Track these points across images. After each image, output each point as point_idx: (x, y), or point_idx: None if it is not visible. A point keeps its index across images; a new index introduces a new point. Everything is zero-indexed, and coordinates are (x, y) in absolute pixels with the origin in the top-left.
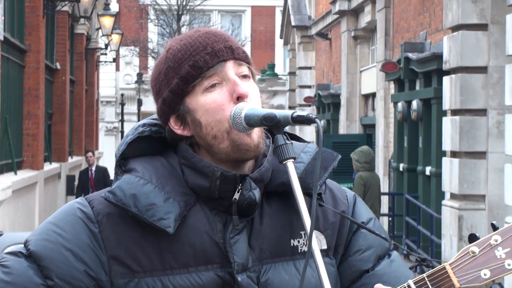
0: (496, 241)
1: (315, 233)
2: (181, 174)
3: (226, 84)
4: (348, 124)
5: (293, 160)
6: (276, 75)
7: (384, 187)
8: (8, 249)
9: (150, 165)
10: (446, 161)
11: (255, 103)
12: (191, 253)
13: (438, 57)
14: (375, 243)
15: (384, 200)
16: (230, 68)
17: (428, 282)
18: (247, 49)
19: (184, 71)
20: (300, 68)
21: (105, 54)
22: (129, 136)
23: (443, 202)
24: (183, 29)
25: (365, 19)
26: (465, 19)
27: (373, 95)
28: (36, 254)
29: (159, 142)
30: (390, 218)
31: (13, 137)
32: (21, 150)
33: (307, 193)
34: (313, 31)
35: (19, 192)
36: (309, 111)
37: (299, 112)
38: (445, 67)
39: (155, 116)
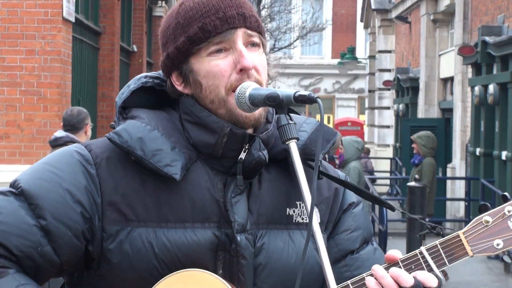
0: (510, 211)
1: None
2: (181, 129)
3: (233, 53)
4: (426, 108)
5: (296, 140)
6: (356, 58)
7: (461, 171)
8: None
9: (154, 115)
10: None
11: (260, 74)
12: (190, 208)
13: None
14: (363, 226)
15: (461, 184)
16: (239, 37)
17: (440, 249)
18: (328, 32)
19: (192, 32)
20: (380, 51)
21: None
22: (132, 85)
23: None
24: (263, 12)
25: (444, 2)
26: None
27: (451, 79)
28: (28, 192)
29: (159, 96)
30: (466, 203)
31: None
32: (96, 131)
33: (309, 160)
34: (393, 14)
35: None
36: (388, 95)
37: (301, 91)
38: None
39: (157, 72)
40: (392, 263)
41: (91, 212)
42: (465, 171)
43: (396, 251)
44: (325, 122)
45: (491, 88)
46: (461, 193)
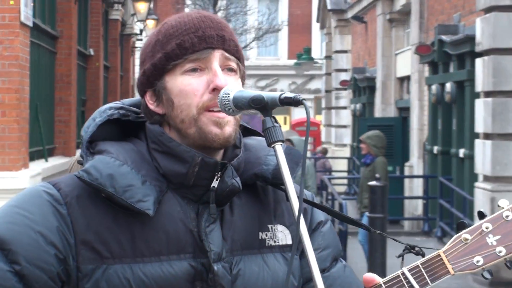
0: (487, 228)
1: (281, 228)
2: (150, 160)
3: (207, 73)
4: (383, 107)
5: (281, 143)
6: (312, 59)
7: (419, 170)
8: None
9: (122, 148)
10: (479, 143)
11: None
12: (164, 240)
13: (471, 39)
14: (332, 244)
15: (419, 183)
16: (216, 58)
17: (422, 269)
18: (284, 33)
19: (170, 48)
20: (336, 51)
21: (141, 40)
22: (98, 118)
23: (476, 184)
24: (220, 14)
25: (400, 2)
26: (498, 0)
27: (408, 78)
28: (0, 237)
29: (124, 127)
30: (424, 201)
31: (44, 124)
32: (53, 137)
33: (280, 184)
34: (349, 14)
35: (50, 179)
36: (345, 94)
37: (287, 93)
38: (478, 49)
39: (119, 101)
40: (374, 285)
41: (65, 253)
42: (423, 169)
43: (373, 275)
44: (281, 123)
45: (448, 86)
46: (419, 191)
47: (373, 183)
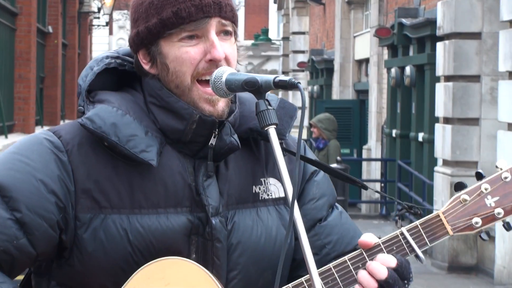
0: (486, 189)
1: (273, 181)
2: (147, 112)
3: (204, 41)
4: (341, 90)
5: (275, 126)
6: (270, 40)
7: (377, 153)
8: None
9: (122, 98)
10: (438, 127)
11: (231, 65)
12: (162, 193)
13: (432, 22)
14: (327, 192)
15: (377, 166)
16: (213, 26)
17: (421, 229)
18: (241, 14)
19: (166, 15)
20: (294, 33)
21: (98, 18)
22: (95, 66)
23: (436, 168)
24: None
25: None
26: None
27: (367, 60)
28: (1, 184)
29: (121, 76)
30: (383, 184)
31: (4, 100)
32: (12, 113)
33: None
34: None
35: None
36: (302, 76)
37: (281, 76)
38: (439, 33)
39: (114, 50)
40: (371, 246)
41: (65, 201)
42: (381, 153)
43: (369, 235)
44: None
45: (407, 70)
46: (376, 175)
47: (335, 165)
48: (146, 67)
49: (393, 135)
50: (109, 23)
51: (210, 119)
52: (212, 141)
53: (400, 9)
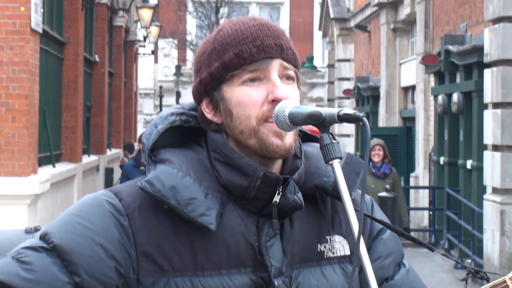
0: None
1: (338, 238)
2: (211, 169)
3: (266, 83)
4: (387, 117)
5: (339, 160)
6: (315, 67)
7: (425, 180)
8: (23, 244)
9: (184, 157)
10: (487, 154)
11: None
12: (225, 254)
13: (478, 49)
14: (394, 250)
15: (425, 193)
16: (275, 68)
17: None
18: None
19: (228, 58)
20: (339, 60)
21: (144, 46)
22: (160, 125)
23: (485, 196)
24: (222, 22)
25: (404, 11)
26: (506, 11)
27: (413, 87)
28: (61, 248)
29: (185, 133)
30: (431, 212)
31: (51, 129)
32: (60, 142)
33: (340, 198)
34: (352, 23)
35: (57, 185)
36: (348, 103)
37: (346, 110)
38: (486, 59)
39: (180, 105)
40: None
41: (126, 266)
42: (429, 180)
43: None
44: None
45: (455, 97)
46: (424, 203)
47: (383, 194)
48: (209, 115)
49: (441, 162)
50: (154, 52)
51: (275, 176)
52: (276, 198)
53: (446, 36)
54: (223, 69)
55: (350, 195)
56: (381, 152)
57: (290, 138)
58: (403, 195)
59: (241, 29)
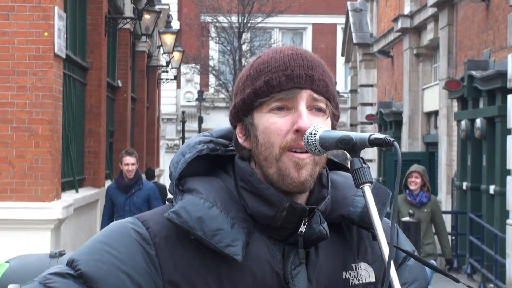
0: None
1: (364, 266)
2: (238, 198)
3: (293, 113)
4: (410, 142)
5: (370, 184)
6: (338, 92)
7: (447, 205)
8: (50, 269)
9: (211, 187)
10: (510, 180)
11: None
12: (251, 283)
13: (502, 75)
14: (419, 277)
15: (447, 218)
16: (303, 98)
17: None
18: None
19: (258, 85)
20: (362, 85)
21: (166, 71)
22: (187, 154)
23: (508, 221)
24: (244, 47)
25: (427, 37)
26: None
27: (436, 113)
28: (88, 275)
29: (213, 161)
30: (453, 237)
31: (74, 154)
32: (83, 167)
33: (367, 228)
34: (375, 48)
35: (80, 210)
36: (371, 129)
37: (376, 134)
38: (510, 85)
39: (208, 132)
40: None
41: None
42: (451, 205)
43: None
44: None
45: (478, 122)
46: (447, 227)
47: (407, 219)
48: (241, 140)
49: (464, 187)
50: (177, 77)
51: (300, 207)
52: (302, 228)
53: (470, 61)
54: (253, 95)
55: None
56: (418, 180)
57: (306, 171)
58: (443, 225)
59: (275, 57)
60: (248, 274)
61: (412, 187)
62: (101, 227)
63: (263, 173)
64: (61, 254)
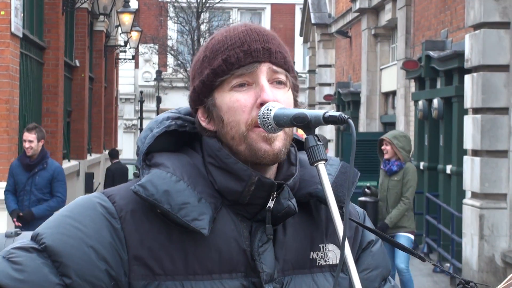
0: None
1: (332, 247)
2: (205, 174)
3: (255, 87)
4: (368, 122)
5: (324, 162)
6: (296, 73)
7: None
8: (14, 244)
9: (178, 162)
10: (467, 159)
11: None
12: (217, 259)
13: (459, 55)
14: (382, 264)
15: None
16: (263, 72)
17: None
18: None
19: (216, 64)
20: (320, 66)
21: (124, 51)
22: (155, 129)
23: (464, 201)
24: (203, 27)
25: (385, 17)
26: (487, 17)
27: (393, 93)
28: (52, 249)
29: (180, 137)
30: None
31: None
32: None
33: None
34: (333, 29)
35: None
36: (329, 109)
37: (331, 112)
38: (467, 65)
39: (175, 109)
40: None
41: (117, 269)
42: None
43: None
44: None
45: (435, 102)
46: None
47: (363, 198)
48: (204, 123)
49: (421, 167)
50: (135, 57)
51: (269, 181)
52: (270, 203)
53: (427, 42)
54: (212, 76)
55: (343, 204)
56: (388, 147)
57: (279, 142)
58: (406, 197)
59: (230, 35)
60: (214, 250)
61: (385, 156)
62: (6, 205)
63: (233, 151)
64: (17, 234)
